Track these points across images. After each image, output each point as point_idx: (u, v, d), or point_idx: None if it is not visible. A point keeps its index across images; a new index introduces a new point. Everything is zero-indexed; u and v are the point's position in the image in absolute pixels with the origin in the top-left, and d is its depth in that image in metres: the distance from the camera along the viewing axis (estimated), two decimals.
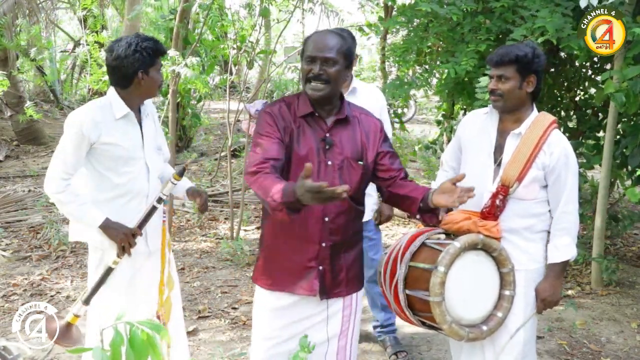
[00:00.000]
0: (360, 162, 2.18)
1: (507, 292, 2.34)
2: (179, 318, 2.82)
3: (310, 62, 2.08)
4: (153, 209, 2.49)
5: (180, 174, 2.45)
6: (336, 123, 2.17)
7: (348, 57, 2.12)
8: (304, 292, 2.19)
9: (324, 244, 2.16)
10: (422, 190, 2.16)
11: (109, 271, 2.46)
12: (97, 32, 11.15)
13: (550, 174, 2.31)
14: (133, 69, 2.41)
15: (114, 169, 2.48)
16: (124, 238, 2.44)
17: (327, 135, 2.15)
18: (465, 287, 2.28)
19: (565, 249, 2.35)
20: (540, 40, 3.68)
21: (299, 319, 2.22)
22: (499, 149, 2.38)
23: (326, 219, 2.15)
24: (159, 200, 2.48)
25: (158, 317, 2.52)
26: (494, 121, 2.43)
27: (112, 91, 2.50)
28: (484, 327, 2.31)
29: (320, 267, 2.18)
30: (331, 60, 2.06)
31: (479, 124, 2.48)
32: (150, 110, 2.65)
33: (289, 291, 2.21)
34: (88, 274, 2.62)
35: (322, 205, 2.09)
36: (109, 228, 2.45)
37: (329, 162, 2.14)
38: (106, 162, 2.48)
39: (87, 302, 2.47)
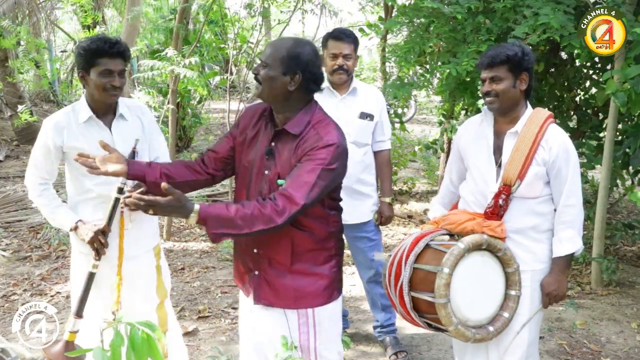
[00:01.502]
0: (279, 182, 2.05)
1: (513, 292, 2.33)
2: (175, 326, 2.81)
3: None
4: (116, 201, 2.38)
5: (132, 157, 2.41)
6: (281, 134, 2.09)
7: (289, 64, 2.02)
8: (245, 293, 2.26)
9: (255, 251, 2.14)
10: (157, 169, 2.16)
11: (91, 277, 2.40)
12: (89, 27, 10.77)
13: (551, 169, 2.31)
14: (78, 69, 2.42)
15: (83, 173, 2.40)
16: (93, 236, 2.38)
17: (272, 144, 2.11)
18: (471, 288, 2.27)
19: (569, 242, 2.33)
20: (542, 37, 3.67)
21: (250, 310, 2.27)
22: (498, 150, 2.38)
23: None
24: (120, 190, 2.36)
25: (113, 314, 2.44)
26: (489, 124, 2.43)
27: (83, 95, 2.51)
28: (491, 328, 2.31)
29: (256, 272, 2.17)
30: (263, 63, 2.06)
31: (474, 130, 2.49)
32: (135, 113, 2.58)
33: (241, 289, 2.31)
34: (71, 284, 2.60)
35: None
36: (79, 230, 2.43)
37: (265, 172, 2.11)
38: (77, 166, 2.39)
39: (78, 314, 2.39)
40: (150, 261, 2.66)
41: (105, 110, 2.49)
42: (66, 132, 2.44)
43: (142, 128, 2.59)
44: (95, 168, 2.12)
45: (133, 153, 2.43)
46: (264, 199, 1.96)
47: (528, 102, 2.41)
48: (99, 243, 2.39)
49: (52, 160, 2.49)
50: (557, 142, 2.30)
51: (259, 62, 2.09)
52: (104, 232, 2.41)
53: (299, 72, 2.03)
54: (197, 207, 1.90)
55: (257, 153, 2.13)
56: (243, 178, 2.18)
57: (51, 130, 2.44)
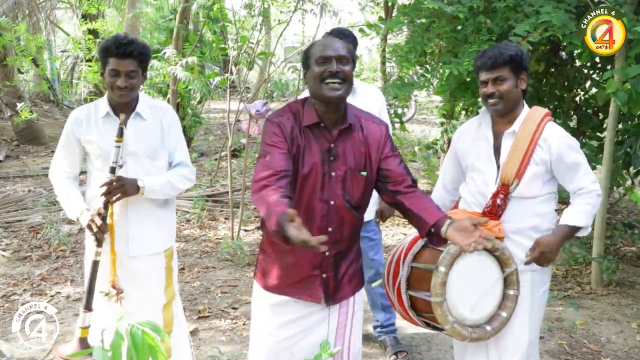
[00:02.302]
0: (363, 173, 2.12)
1: (511, 292, 2.33)
2: (182, 328, 2.80)
3: (323, 62, 2.04)
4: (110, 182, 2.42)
5: (120, 135, 2.42)
6: (340, 133, 2.11)
7: (355, 59, 2.15)
8: (308, 299, 2.18)
9: (327, 253, 2.10)
10: (434, 213, 2.05)
11: (95, 266, 2.38)
12: (90, 18, 10.42)
13: (557, 167, 2.31)
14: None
15: (99, 167, 2.50)
16: (90, 219, 2.37)
17: (332, 146, 2.10)
18: (468, 287, 2.27)
19: (583, 215, 2.31)
20: (544, 36, 3.67)
21: (300, 316, 2.21)
22: (497, 151, 2.38)
23: (329, 229, 2.11)
24: (112, 170, 2.39)
25: (114, 287, 2.47)
26: (487, 125, 2.43)
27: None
28: (488, 327, 2.31)
29: (324, 275, 2.16)
30: (344, 58, 2.04)
31: (473, 133, 2.48)
32: (156, 114, 2.58)
33: (291, 297, 2.19)
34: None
35: (324, 213, 2.09)
36: (81, 217, 2.44)
37: (333, 174, 2.09)
38: (93, 160, 2.54)
39: (87, 307, 2.39)
40: (160, 262, 2.65)
41: (122, 108, 2.50)
42: (85, 124, 2.51)
43: (160, 129, 2.58)
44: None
45: (121, 130, 2.43)
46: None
47: (524, 101, 2.41)
48: (95, 225, 2.36)
49: (71, 150, 2.54)
50: (557, 140, 2.30)
51: (332, 58, 2.03)
52: (99, 214, 2.39)
53: (354, 66, 2.13)
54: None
55: (316, 160, 2.08)
56: (303, 187, 2.10)
57: (72, 121, 2.54)
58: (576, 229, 2.33)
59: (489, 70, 2.32)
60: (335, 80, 2.02)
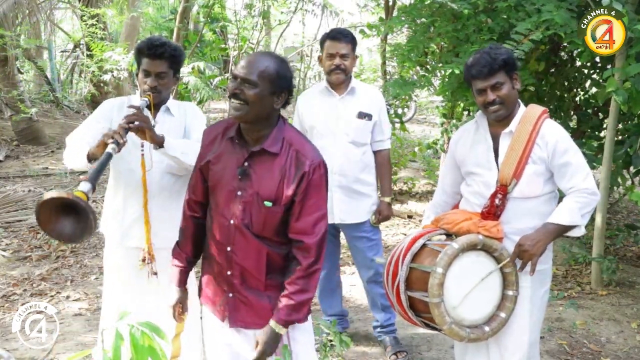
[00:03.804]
0: (266, 204, 1.98)
1: (510, 293, 2.33)
2: (193, 328, 2.78)
3: (232, 79, 1.97)
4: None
5: (145, 107, 2.49)
6: (258, 154, 2.00)
7: (275, 84, 1.95)
8: (217, 315, 2.16)
9: (229, 272, 2.08)
10: (283, 310, 2.01)
11: (108, 157, 2.20)
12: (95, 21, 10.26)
13: (554, 164, 2.29)
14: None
15: (120, 156, 2.47)
16: (107, 133, 2.27)
17: (245, 164, 2.01)
18: (466, 288, 2.27)
19: (569, 213, 2.25)
20: (545, 34, 3.67)
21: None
22: (496, 153, 2.38)
23: (228, 248, 2.06)
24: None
25: (149, 254, 2.54)
26: (485, 128, 2.42)
27: None
28: (486, 328, 2.30)
29: (230, 295, 2.10)
30: (250, 81, 1.92)
31: (471, 136, 2.47)
32: (181, 110, 2.65)
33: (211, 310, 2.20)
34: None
35: (224, 231, 2.06)
36: (94, 148, 2.35)
37: (238, 193, 2.01)
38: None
39: (91, 180, 2.06)
40: None
41: (159, 105, 2.60)
42: (116, 112, 2.59)
43: (185, 125, 2.67)
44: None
45: (146, 103, 2.49)
46: (293, 268, 2.01)
47: (520, 101, 2.41)
48: (113, 132, 2.26)
49: (93, 130, 2.52)
50: (553, 137, 2.29)
51: (236, 80, 1.95)
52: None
53: (285, 91, 1.99)
54: (280, 328, 2.01)
55: (225, 173, 2.04)
56: (214, 196, 2.10)
57: (105, 106, 2.62)
58: (562, 227, 2.27)
59: (485, 78, 2.29)
60: (235, 101, 1.94)
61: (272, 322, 2.01)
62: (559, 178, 2.32)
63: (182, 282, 2.21)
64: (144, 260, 2.54)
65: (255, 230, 2.02)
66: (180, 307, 2.21)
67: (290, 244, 2.03)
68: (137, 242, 2.58)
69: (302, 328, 2.13)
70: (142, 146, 2.49)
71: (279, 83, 1.96)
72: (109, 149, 2.19)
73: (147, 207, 2.55)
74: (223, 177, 2.04)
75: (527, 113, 2.34)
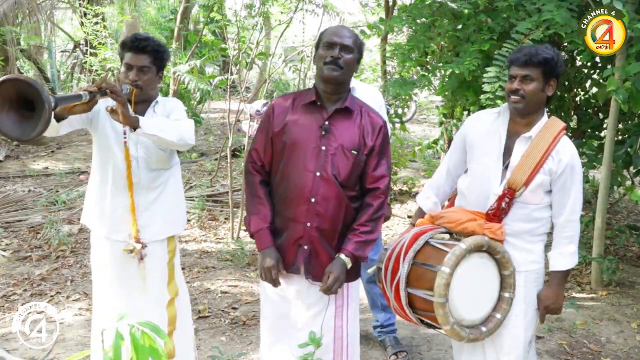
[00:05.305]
0: (353, 152, 2.28)
1: (506, 294, 2.34)
2: (185, 326, 2.79)
3: (328, 47, 2.25)
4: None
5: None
6: (337, 112, 2.30)
7: (360, 51, 2.33)
8: (289, 270, 2.33)
9: (308, 224, 2.28)
10: (352, 244, 2.31)
11: (77, 96, 2.10)
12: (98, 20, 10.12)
13: (556, 181, 2.29)
14: None
15: (104, 147, 2.53)
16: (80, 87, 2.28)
17: (326, 123, 2.28)
18: (468, 288, 2.27)
19: (570, 257, 2.34)
20: (546, 34, 3.67)
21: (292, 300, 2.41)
22: (507, 151, 2.35)
23: (313, 199, 2.26)
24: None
25: (137, 241, 2.54)
26: (504, 122, 2.39)
27: None
28: (483, 329, 2.31)
29: (305, 247, 2.29)
30: (348, 47, 2.25)
31: (488, 124, 2.43)
32: (165, 109, 2.61)
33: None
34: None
35: (310, 184, 2.26)
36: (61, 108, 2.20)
37: (323, 148, 2.27)
38: (100, 140, 2.56)
39: (55, 97, 1.95)
40: (163, 257, 2.67)
41: (138, 100, 2.53)
42: (102, 103, 2.45)
43: (166, 117, 2.62)
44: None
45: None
46: (362, 213, 2.33)
47: (545, 110, 2.39)
48: (82, 89, 2.17)
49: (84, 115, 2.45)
50: (567, 156, 2.28)
51: (334, 45, 2.24)
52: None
53: (359, 58, 2.34)
54: (347, 261, 2.29)
55: (306, 133, 2.29)
56: (291, 158, 2.30)
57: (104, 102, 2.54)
58: (569, 270, 2.37)
59: (520, 67, 2.29)
60: (334, 66, 2.23)
61: (341, 255, 2.29)
62: (558, 201, 2.33)
63: (273, 242, 2.33)
64: (132, 250, 2.52)
65: (342, 180, 2.28)
66: (277, 269, 2.30)
67: (361, 200, 2.34)
68: (123, 236, 2.57)
69: (354, 287, 2.44)
70: (125, 134, 2.47)
71: (360, 50, 2.34)
72: (80, 92, 2.12)
73: (133, 198, 2.54)
74: (303, 136, 2.29)
75: (549, 124, 2.32)
